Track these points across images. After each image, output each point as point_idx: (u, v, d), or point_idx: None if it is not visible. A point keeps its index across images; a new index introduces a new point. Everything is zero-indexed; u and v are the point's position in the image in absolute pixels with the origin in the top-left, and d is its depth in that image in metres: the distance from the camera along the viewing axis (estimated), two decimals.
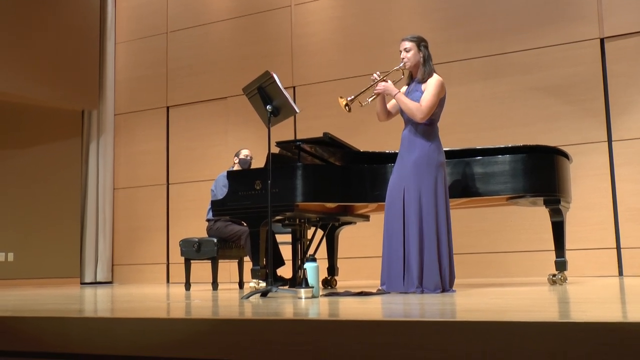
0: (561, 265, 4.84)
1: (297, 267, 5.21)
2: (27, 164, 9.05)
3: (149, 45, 9.70)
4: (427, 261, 4.05)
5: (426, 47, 4.32)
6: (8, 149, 8.94)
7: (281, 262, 5.77)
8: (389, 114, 4.48)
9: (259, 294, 4.01)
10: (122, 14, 9.98)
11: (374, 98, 4.39)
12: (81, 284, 9.24)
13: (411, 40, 4.31)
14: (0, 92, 8.48)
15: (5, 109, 8.87)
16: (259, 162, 5.48)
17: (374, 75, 4.35)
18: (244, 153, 6.28)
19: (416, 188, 4.14)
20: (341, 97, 4.36)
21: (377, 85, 4.31)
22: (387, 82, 4.31)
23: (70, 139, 9.56)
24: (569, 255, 5.02)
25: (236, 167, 6.22)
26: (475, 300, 3.25)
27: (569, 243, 5.12)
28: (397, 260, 4.13)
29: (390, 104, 4.46)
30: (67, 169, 9.46)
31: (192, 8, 9.44)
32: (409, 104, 4.21)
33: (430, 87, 4.21)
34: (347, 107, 4.35)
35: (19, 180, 8.96)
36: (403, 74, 4.45)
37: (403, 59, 4.32)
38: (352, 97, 4.36)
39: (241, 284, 6.29)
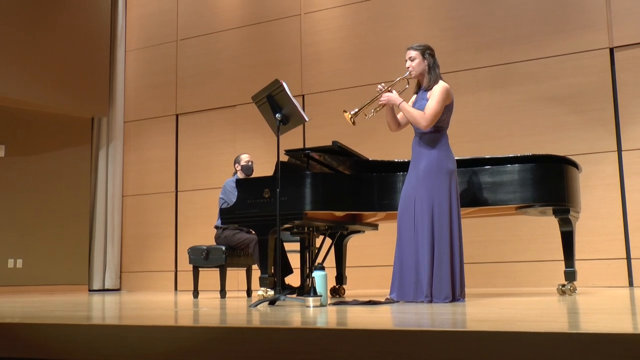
0: (570, 276, 4.82)
1: (306, 275, 5.20)
2: (36, 171, 9.10)
3: (159, 53, 9.75)
4: (437, 271, 4.03)
5: (431, 54, 4.29)
6: (18, 155, 8.99)
7: (289, 271, 5.76)
8: (399, 125, 4.45)
9: (267, 302, 4.00)
10: (132, 22, 10.05)
11: (379, 109, 4.39)
12: (89, 291, 9.26)
13: (416, 49, 4.29)
14: (11, 99, 8.55)
15: (16, 115, 8.93)
16: (268, 170, 5.48)
17: (379, 86, 4.34)
18: (245, 159, 6.19)
19: (428, 197, 4.12)
20: (345, 112, 4.35)
21: (381, 96, 4.31)
22: (391, 92, 4.30)
23: (79, 146, 9.60)
24: (578, 266, 4.99)
25: (239, 174, 6.17)
26: (485, 310, 3.23)
27: (578, 253, 5.10)
28: (408, 270, 4.12)
29: (400, 115, 4.44)
30: (77, 176, 9.49)
31: (202, 16, 9.49)
32: (412, 113, 4.21)
33: (435, 94, 4.20)
34: (352, 121, 4.35)
35: (28, 186, 9.00)
36: (408, 83, 4.43)
37: (408, 68, 4.32)
38: (356, 110, 4.34)
39: (249, 292, 6.28)
